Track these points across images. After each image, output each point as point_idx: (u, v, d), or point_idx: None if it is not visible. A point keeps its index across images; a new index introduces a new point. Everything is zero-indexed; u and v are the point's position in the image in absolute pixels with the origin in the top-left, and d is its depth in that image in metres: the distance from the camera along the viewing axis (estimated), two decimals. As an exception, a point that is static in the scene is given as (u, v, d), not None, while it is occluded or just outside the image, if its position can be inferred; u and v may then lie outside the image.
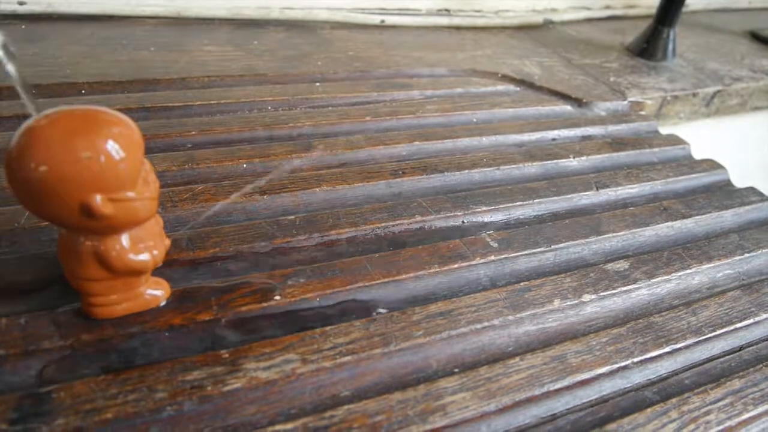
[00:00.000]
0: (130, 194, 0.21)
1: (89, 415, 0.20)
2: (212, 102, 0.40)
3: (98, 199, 0.20)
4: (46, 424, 0.20)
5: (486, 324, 0.27)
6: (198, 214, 0.30)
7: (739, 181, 0.44)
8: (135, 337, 0.23)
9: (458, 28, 0.64)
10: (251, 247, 0.29)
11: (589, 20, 0.76)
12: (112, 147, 0.20)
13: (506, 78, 0.53)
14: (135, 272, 0.23)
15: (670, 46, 0.65)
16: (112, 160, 0.20)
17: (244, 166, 0.35)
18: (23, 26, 0.47)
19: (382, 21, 0.60)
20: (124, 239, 0.22)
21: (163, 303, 0.25)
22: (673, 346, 0.28)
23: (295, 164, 0.35)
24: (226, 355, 0.23)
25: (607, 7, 0.80)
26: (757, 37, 0.78)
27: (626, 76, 0.59)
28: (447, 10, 0.68)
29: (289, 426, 0.21)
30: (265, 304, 0.26)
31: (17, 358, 0.22)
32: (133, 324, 0.24)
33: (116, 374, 0.22)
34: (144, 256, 0.23)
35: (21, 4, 0.47)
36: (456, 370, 0.25)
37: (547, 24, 0.71)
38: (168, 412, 0.21)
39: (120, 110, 0.37)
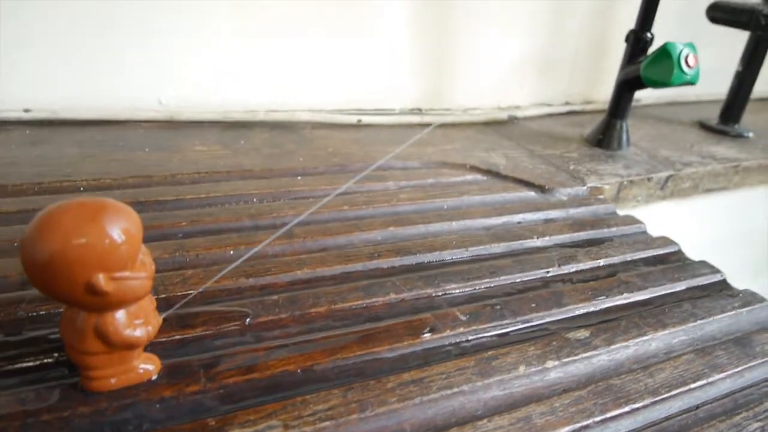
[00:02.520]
0: (129, 274, 0.23)
1: (83, 482, 0.22)
2: (202, 196, 0.44)
3: (101, 278, 0.22)
4: (42, 490, 0.21)
5: (456, 390, 0.29)
6: (187, 296, 0.33)
7: (697, 258, 0.48)
8: (128, 408, 0.25)
9: (429, 125, 0.70)
10: (237, 324, 0.31)
11: (550, 115, 0.83)
12: (114, 232, 0.23)
13: (474, 168, 0.58)
14: (130, 346, 0.25)
15: (624, 137, 0.71)
16: (115, 243, 0.23)
17: (231, 252, 0.38)
18: (27, 131, 0.51)
19: (359, 120, 0.66)
20: (121, 315, 0.24)
21: (154, 377, 0.27)
22: (632, 405, 0.30)
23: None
24: (213, 423, 0.25)
25: (567, 103, 0.87)
26: (704, 127, 0.85)
27: (585, 164, 0.64)
28: (419, 109, 0.74)
29: (272, 488, 0.23)
30: (249, 376, 0.28)
31: (16, 429, 0.23)
32: (126, 396, 0.25)
33: (109, 444, 0.23)
34: (139, 332, 0.25)
35: (26, 111, 0.52)
36: (428, 433, 0.27)
37: (512, 120, 0.77)
38: (157, 477, 0.22)
39: (116, 205, 0.40)
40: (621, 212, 0.57)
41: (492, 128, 0.74)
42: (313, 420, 0.26)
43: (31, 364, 0.27)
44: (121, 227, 0.23)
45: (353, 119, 0.66)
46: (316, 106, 0.67)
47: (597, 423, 0.29)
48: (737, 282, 0.46)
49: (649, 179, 0.64)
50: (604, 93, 0.89)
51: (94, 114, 0.54)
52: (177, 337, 0.29)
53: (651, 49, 0.65)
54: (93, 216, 0.23)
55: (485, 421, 0.27)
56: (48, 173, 0.44)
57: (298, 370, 0.29)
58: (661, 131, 0.82)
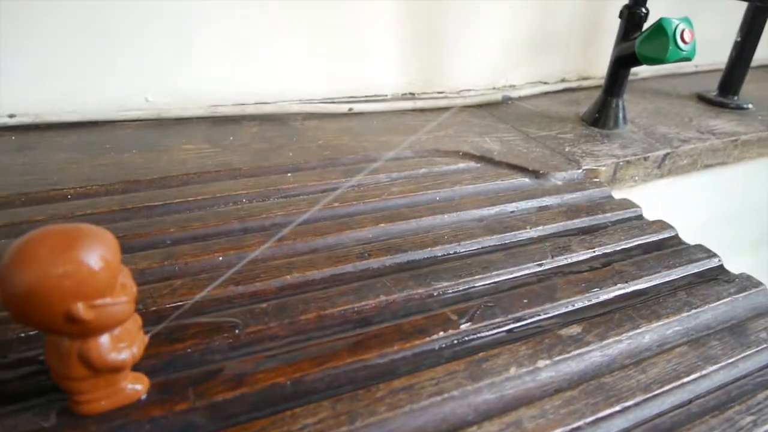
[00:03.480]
0: (109, 300, 0.23)
1: None
2: (190, 199, 0.43)
3: (80, 307, 0.22)
4: None
5: (446, 396, 0.29)
6: (177, 308, 0.33)
7: (695, 235, 0.47)
8: (118, 430, 0.25)
9: (422, 110, 0.69)
10: (226, 336, 0.31)
11: (546, 93, 0.81)
12: (92, 260, 0.22)
13: (467, 155, 0.57)
14: (115, 370, 0.25)
15: (620, 114, 0.70)
16: (92, 272, 0.22)
17: (220, 258, 0.37)
18: (13, 137, 0.50)
19: (350, 109, 0.65)
20: (105, 340, 0.24)
21: (144, 396, 0.27)
22: (623, 404, 0.30)
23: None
24: (202, 443, 0.25)
25: (563, 80, 0.86)
26: (703, 99, 0.84)
27: (581, 146, 0.63)
28: (411, 93, 0.73)
29: (261, 507, 0.23)
30: (238, 391, 0.28)
31: (6, 459, 0.23)
32: (115, 418, 0.26)
33: (99, 468, 0.24)
34: (123, 355, 0.25)
35: (11, 116, 0.51)
36: (418, 441, 0.27)
37: (506, 101, 0.76)
38: (147, 501, 0.23)
39: (103, 213, 0.40)
40: (618, 193, 0.57)
41: (486, 110, 0.73)
42: (302, 435, 0.26)
43: (18, 388, 0.27)
44: (98, 254, 0.23)
45: (344, 108, 0.65)
46: (306, 96, 0.66)
47: (588, 424, 0.29)
48: (737, 256, 0.45)
49: (645, 158, 0.63)
50: (600, 68, 0.87)
51: (80, 116, 0.54)
52: (166, 352, 0.29)
53: (646, 25, 0.64)
54: (69, 245, 0.22)
55: (475, 427, 0.27)
56: (34, 182, 0.43)
57: (288, 383, 0.29)
58: (659, 106, 0.80)
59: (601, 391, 0.30)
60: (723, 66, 0.84)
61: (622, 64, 0.67)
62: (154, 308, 0.33)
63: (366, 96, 0.69)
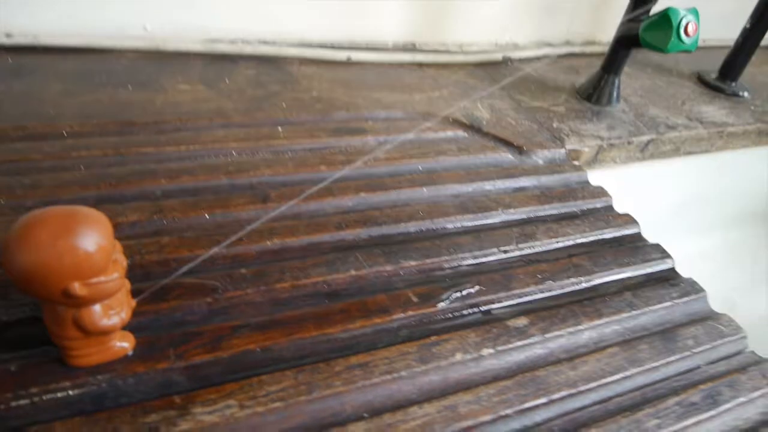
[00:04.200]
0: (103, 278, 0.26)
1: (64, 451, 0.26)
2: (182, 147, 0.45)
3: (76, 285, 0.25)
4: (29, 458, 0.25)
5: (396, 375, 0.33)
6: (162, 263, 0.36)
7: (669, 219, 0.50)
8: (106, 382, 0.29)
9: (420, 65, 0.69)
10: (206, 299, 0.34)
11: (548, 56, 0.81)
12: (88, 244, 0.25)
13: (456, 123, 0.59)
14: (106, 333, 0.28)
15: (615, 93, 0.70)
16: (88, 255, 0.25)
17: (207, 217, 0.40)
18: (10, 59, 0.51)
19: (349, 58, 0.65)
20: (97, 308, 0.27)
21: (130, 353, 0.30)
22: (549, 397, 0.34)
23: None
24: (179, 401, 0.29)
25: (567, 43, 0.85)
26: (701, 80, 0.84)
27: (569, 122, 0.65)
28: (413, 44, 0.73)
29: (225, 462, 0.27)
30: (213, 355, 0.31)
31: (8, 401, 0.27)
32: (104, 372, 0.29)
33: (89, 416, 0.27)
34: (113, 320, 0.28)
35: (8, 36, 0.51)
36: (365, 415, 0.31)
37: (506, 61, 0.76)
38: (128, 449, 0.27)
39: (98, 156, 0.42)
40: (596, 173, 0.59)
41: (485, 71, 0.73)
42: (266, 401, 0.30)
43: (20, 341, 0.30)
44: (93, 239, 0.25)
45: (343, 56, 0.65)
46: (306, 38, 0.66)
47: (516, 413, 0.33)
48: (706, 236, 0.48)
49: (629, 142, 0.65)
50: (606, 34, 0.86)
51: (77, 41, 0.54)
52: (151, 311, 0.33)
53: (655, 7, 0.63)
54: (67, 230, 0.25)
55: (415, 407, 0.31)
56: (31, 114, 0.44)
57: (258, 349, 0.32)
58: (657, 83, 0.81)
59: (533, 384, 0.35)
60: (730, 43, 0.83)
61: (624, 44, 0.67)
62: (142, 264, 0.35)
63: (367, 43, 0.69)
